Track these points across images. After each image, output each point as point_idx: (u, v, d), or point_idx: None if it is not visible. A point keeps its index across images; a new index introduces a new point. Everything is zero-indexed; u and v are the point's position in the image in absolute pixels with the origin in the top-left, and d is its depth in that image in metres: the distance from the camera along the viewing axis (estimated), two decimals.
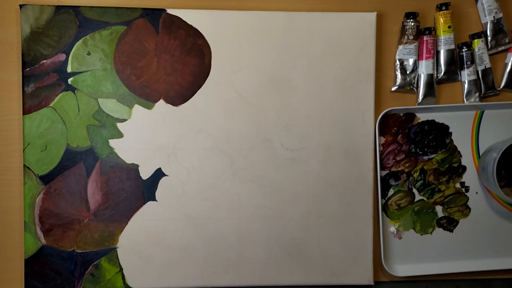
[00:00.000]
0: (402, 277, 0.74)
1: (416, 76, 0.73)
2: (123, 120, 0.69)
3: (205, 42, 0.70)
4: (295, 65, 0.71)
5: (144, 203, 0.70)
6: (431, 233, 0.74)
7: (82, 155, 0.69)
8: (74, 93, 0.69)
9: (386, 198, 0.74)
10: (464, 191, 0.74)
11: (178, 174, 0.70)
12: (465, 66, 0.73)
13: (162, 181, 0.70)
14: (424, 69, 0.73)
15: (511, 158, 0.72)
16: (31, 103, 0.68)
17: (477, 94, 0.73)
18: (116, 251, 0.70)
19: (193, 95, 0.70)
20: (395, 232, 0.74)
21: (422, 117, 0.73)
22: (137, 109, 0.69)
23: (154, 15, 0.69)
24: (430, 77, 0.73)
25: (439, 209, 0.74)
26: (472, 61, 0.73)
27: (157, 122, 0.70)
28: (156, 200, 0.70)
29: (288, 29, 0.70)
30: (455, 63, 0.73)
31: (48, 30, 0.68)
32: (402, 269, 0.73)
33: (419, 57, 0.73)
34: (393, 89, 0.73)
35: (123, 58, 0.69)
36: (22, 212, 0.70)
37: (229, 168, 0.71)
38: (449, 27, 0.72)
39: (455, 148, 0.74)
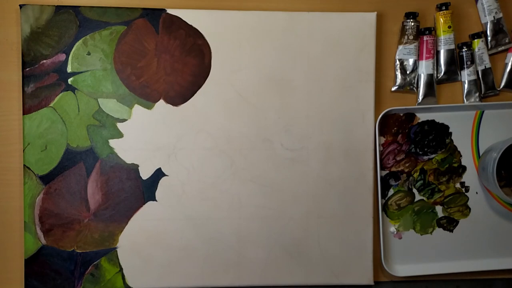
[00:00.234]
0: (402, 277, 0.74)
1: (416, 76, 0.73)
2: (123, 120, 0.69)
3: (205, 42, 0.70)
4: (295, 65, 0.71)
5: (144, 203, 0.70)
6: (431, 233, 0.74)
7: (82, 155, 0.69)
8: (74, 93, 0.69)
9: (386, 198, 0.74)
10: (464, 191, 0.74)
11: (178, 174, 0.70)
12: (465, 66, 0.73)
13: (162, 181, 0.70)
14: (424, 69, 0.73)
15: (511, 158, 0.72)
16: (31, 103, 0.68)
17: (477, 94, 0.73)
18: (116, 251, 0.70)
19: (193, 95, 0.70)
20: (395, 232, 0.74)
21: (422, 117, 0.73)
22: (137, 109, 0.69)
23: (154, 15, 0.69)
24: (430, 77, 0.73)
25: (439, 209, 0.74)
26: (472, 61, 0.73)
27: (157, 122, 0.70)
28: (156, 200, 0.70)
29: (288, 29, 0.70)
30: (455, 63, 0.73)
31: (48, 30, 0.68)
32: (402, 269, 0.73)
33: (419, 57, 0.73)
34: (393, 89, 0.73)
35: (123, 58, 0.69)
36: (22, 212, 0.70)
37: (229, 168, 0.71)
38: (449, 27, 0.72)
39: (455, 148, 0.74)
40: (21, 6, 0.68)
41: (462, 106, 0.72)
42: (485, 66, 0.74)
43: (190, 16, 0.69)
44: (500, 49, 0.74)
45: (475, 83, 0.73)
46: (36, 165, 0.68)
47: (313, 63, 0.71)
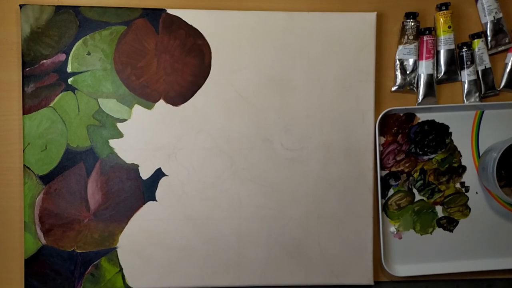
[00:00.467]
0: (402, 277, 0.74)
1: (416, 76, 0.73)
2: (123, 120, 0.69)
3: (205, 42, 0.70)
4: (295, 65, 0.71)
5: (144, 203, 0.70)
6: (431, 233, 0.74)
7: (82, 155, 0.69)
8: (74, 93, 0.69)
9: (386, 198, 0.74)
10: (464, 191, 0.74)
11: (178, 174, 0.70)
12: (465, 66, 0.73)
13: (162, 181, 0.70)
14: (424, 69, 0.73)
15: (511, 158, 0.72)
16: (31, 103, 0.68)
17: (477, 94, 0.73)
18: (116, 251, 0.70)
19: (193, 95, 0.70)
20: (395, 232, 0.74)
21: (422, 117, 0.73)
22: (137, 109, 0.69)
23: (154, 15, 0.69)
24: (430, 77, 0.73)
25: (439, 209, 0.74)
26: (472, 61, 0.73)
27: (157, 122, 0.70)
28: (156, 200, 0.70)
29: (288, 29, 0.70)
30: (455, 63, 0.73)
31: (48, 30, 0.68)
32: (402, 269, 0.73)
33: (419, 57, 0.73)
34: (393, 89, 0.73)
35: (123, 58, 0.69)
36: (22, 212, 0.70)
37: (229, 168, 0.71)
38: (449, 27, 0.72)
39: (455, 148, 0.74)
40: (21, 6, 0.68)
41: (462, 106, 0.72)
42: (485, 66, 0.74)
43: (190, 16, 0.69)
44: (500, 49, 0.74)
45: (475, 83, 0.73)
46: (36, 165, 0.68)
47: (313, 63, 0.71)
